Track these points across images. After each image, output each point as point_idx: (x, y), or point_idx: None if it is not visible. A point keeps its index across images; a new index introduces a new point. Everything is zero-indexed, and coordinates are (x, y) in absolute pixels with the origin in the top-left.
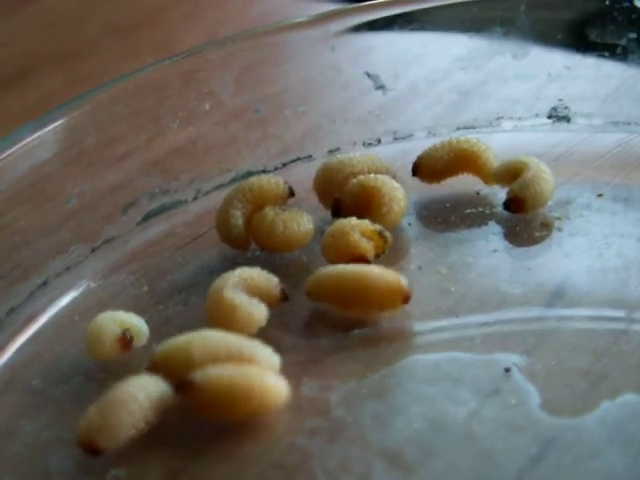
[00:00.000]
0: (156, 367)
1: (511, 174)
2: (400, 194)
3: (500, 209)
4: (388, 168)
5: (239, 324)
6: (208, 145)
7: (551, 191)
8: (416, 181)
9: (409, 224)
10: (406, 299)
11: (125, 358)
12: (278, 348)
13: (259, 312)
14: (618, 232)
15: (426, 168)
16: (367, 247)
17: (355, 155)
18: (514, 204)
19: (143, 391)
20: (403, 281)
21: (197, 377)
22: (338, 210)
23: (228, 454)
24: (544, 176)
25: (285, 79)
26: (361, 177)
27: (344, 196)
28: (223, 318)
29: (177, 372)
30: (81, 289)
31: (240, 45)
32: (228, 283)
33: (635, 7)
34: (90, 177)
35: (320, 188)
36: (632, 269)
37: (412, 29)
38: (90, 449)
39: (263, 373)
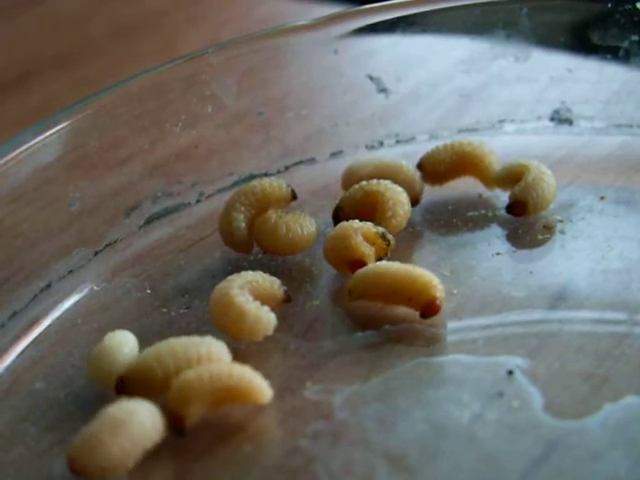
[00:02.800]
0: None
1: (512, 177)
2: (404, 198)
3: (502, 212)
4: (412, 174)
5: (247, 330)
6: (210, 148)
7: (553, 194)
8: None
9: (412, 227)
10: (431, 307)
11: None
12: (281, 351)
13: (268, 319)
14: (620, 235)
15: (429, 169)
16: (367, 251)
17: (385, 158)
18: (516, 208)
19: (139, 421)
20: (438, 291)
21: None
22: (337, 218)
23: (231, 457)
24: (545, 179)
25: (287, 82)
26: (363, 182)
27: (344, 202)
28: (231, 323)
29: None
30: (84, 292)
31: (242, 48)
32: (234, 286)
33: (637, 10)
34: (93, 180)
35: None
36: (634, 272)
37: (414, 32)
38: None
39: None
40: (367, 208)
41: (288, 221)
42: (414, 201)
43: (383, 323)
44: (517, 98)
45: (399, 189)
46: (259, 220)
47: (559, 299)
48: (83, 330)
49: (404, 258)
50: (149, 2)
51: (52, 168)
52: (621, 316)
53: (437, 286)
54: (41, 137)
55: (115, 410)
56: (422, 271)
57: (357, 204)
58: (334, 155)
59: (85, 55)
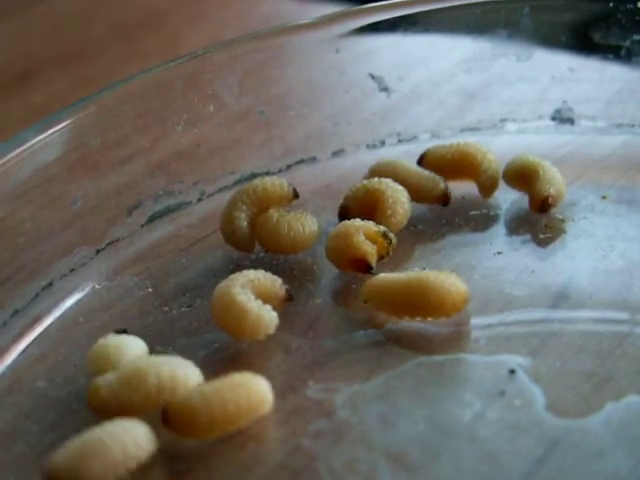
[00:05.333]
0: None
1: (522, 174)
2: (404, 197)
3: (504, 211)
4: (431, 178)
5: (248, 329)
6: (212, 147)
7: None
8: None
9: (413, 226)
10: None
11: None
12: (283, 350)
13: (269, 318)
14: (622, 234)
15: (430, 164)
16: (369, 250)
17: (406, 162)
18: (545, 204)
19: (119, 442)
20: (462, 286)
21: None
22: (344, 217)
23: (233, 456)
24: (558, 174)
25: (289, 81)
26: (365, 181)
27: (349, 201)
28: (232, 322)
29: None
30: (86, 291)
31: (244, 47)
32: (236, 285)
33: (639, 9)
34: (94, 179)
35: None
36: (636, 271)
37: (416, 31)
38: None
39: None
40: (368, 207)
41: (290, 220)
42: (443, 201)
43: (385, 322)
44: (519, 97)
45: (400, 188)
46: (261, 219)
47: (561, 298)
48: (85, 329)
49: (405, 257)
50: (150, 1)
51: (54, 167)
52: (623, 316)
53: (460, 284)
54: (43, 136)
55: (96, 431)
56: (439, 278)
57: (359, 202)
58: (336, 154)
59: (87, 54)
